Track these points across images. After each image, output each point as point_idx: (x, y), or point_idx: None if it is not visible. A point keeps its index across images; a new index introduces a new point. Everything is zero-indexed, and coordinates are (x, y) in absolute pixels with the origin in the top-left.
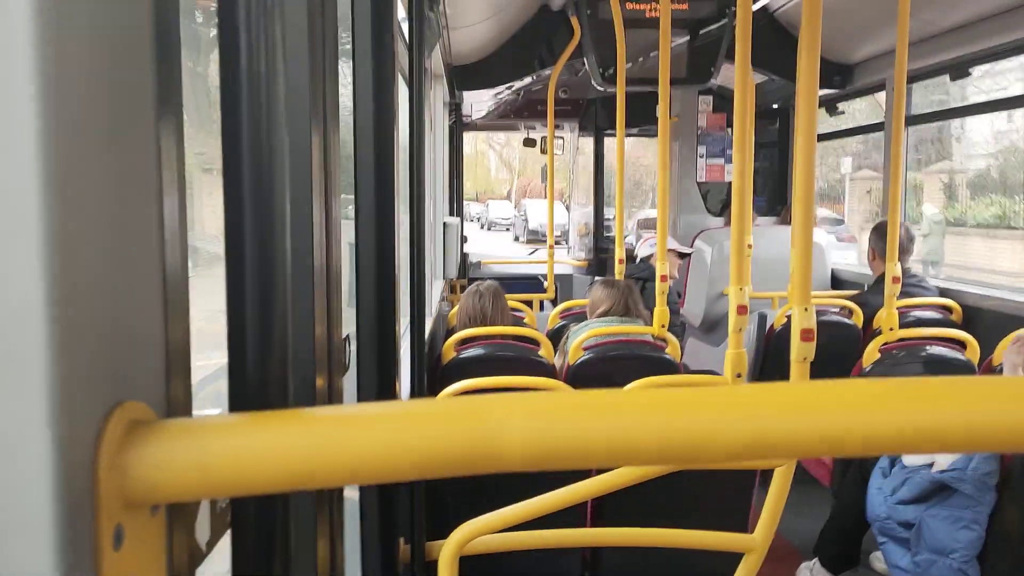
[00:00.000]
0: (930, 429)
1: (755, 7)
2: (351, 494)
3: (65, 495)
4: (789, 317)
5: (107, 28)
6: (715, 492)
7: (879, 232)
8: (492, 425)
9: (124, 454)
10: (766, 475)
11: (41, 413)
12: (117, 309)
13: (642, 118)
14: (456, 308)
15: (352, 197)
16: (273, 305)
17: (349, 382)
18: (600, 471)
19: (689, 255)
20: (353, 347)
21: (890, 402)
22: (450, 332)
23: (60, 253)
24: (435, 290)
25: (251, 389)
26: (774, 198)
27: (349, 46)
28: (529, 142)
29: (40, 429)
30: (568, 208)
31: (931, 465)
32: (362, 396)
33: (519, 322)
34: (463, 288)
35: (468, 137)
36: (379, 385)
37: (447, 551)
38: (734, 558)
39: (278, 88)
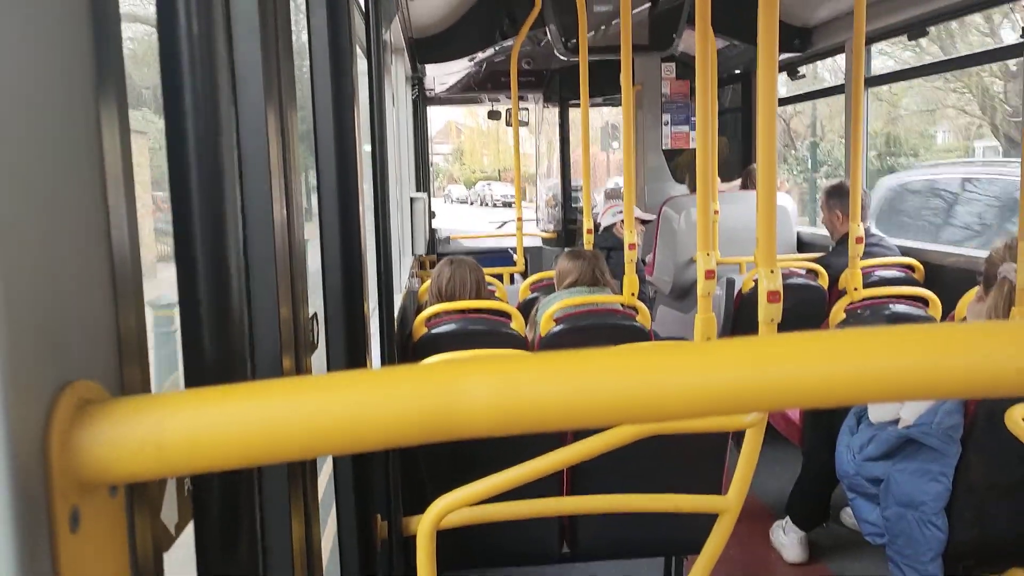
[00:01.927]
0: (891, 376)
1: None
2: (326, 469)
3: (16, 477)
4: (757, 281)
5: (44, 6)
6: (689, 456)
7: (835, 193)
8: (456, 390)
9: (76, 434)
10: (738, 437)
11: None
12: (62, 290)
13: (606, 87)
14: (426, 284)
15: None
16: (227, 283)
17: (319, 362)
18: (575, 438)
19: (650, 221)
20: (322, 326)
21: (850, 352)
22: (420, 308)
23: None
24: (404, 266)
25: (207, 367)
26: (742, 164)
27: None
28: (494, 114)
29: None
30: (537, 180)
31: (897, 422)
32: None
33: (490, 296)
34: (432, 264)
35: (484, 110)
36: (349, 363)
37: (424, 525)
38: (709, 520)
39: (226, 61)
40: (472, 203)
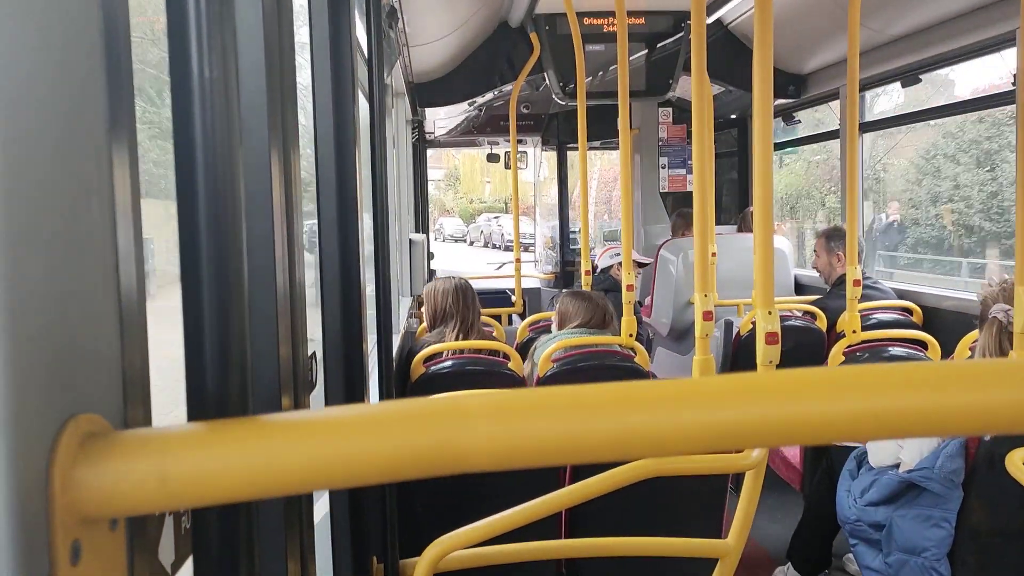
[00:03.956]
0: (890, 413)
1: (709, 20)
2: (322, 511)
3: (19, 510)
4: (755, 323)
5: (56, 44)
6: (688, 498)
7: (835, 236)
8: (456, 424)
9: (79, 467)
10: (738, 480)
11: None
12: (69, 324)
13: (604, 131)
14: (423, 325)
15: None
16: (230, 322)
17: (317, 401)
18: (574, 480)
19: (647, 264)
20: (320, 365)
21: (850, 388)
22: (419, 348)
23: (8, 268)
24: (402, 307)
25: (209, 404)
26: (739, 207)
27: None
28: (493, 157)
29: None
30: (536, 221)
31: (898, 466)
32: None
33: (488, 336)
34: None
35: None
36: (346, 403)
37: (421, 568)
38: (709, 564)
39: (233, 105)
40: (473, 242)
